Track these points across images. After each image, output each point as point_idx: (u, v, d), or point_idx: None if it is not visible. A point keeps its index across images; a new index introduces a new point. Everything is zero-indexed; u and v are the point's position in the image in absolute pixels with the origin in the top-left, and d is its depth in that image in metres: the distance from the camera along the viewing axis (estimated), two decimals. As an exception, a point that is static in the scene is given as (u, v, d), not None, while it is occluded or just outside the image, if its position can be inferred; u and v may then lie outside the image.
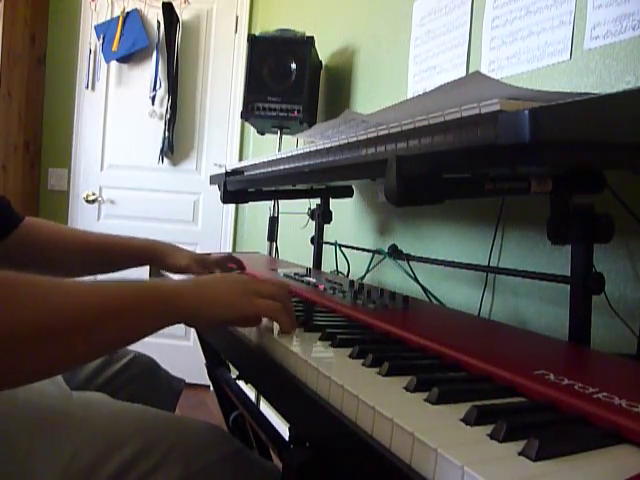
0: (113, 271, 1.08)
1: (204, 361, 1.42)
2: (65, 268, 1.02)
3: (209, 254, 1.48)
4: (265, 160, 1.06)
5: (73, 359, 0.53)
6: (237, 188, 1.30)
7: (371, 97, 1.70)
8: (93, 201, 2.96)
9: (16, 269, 0.49)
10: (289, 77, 1.79)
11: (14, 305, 0.47)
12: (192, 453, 0.69)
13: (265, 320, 0.67)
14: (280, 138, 1.95)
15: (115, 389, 0.99)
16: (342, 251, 1.42)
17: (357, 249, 1.39)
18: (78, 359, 0.55)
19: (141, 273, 1.11)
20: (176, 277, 1.06)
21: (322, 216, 1.44)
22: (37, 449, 0.63)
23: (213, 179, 1.42)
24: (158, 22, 2.85)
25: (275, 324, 0.65)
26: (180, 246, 1.13)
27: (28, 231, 0.98)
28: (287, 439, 0.95)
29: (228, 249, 2.91)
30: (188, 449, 0.69)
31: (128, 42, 2.84)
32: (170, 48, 2.82)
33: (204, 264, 1.08)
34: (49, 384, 0.78)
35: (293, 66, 1.79)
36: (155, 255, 1.08)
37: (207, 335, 0.99)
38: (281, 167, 0.97)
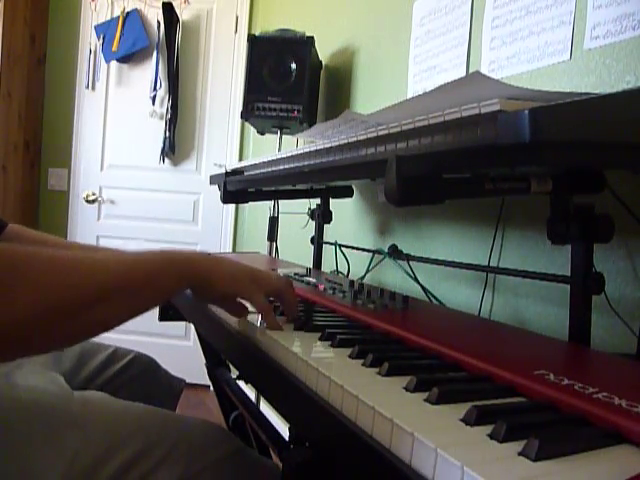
0: None
1: (204, 361, 1.42)
2: None
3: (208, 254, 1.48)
4: (265, 160, 1.06)
5: (96, 329, 0.57)
6: (237, 188, 1.30)
7: (371, 97, 1.70)
8: (93, 201, 2.96)
9: None
10: (289, 77, 1.79)
11: (43, 282, 0.49)
12: (193, 452, 0.69)
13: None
14: (280, 138, 1.95)
15: (116, 389, 0.99)
16: (342, 251, 1.42)
17: (357, 249, 1.39)
18: (100, 329, 0.58)
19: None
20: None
21: (322, 216, 1.44)
22: (38, 449, 0.63)
23: (213, 179, 1.42)
24: (158, 22, 2.85)
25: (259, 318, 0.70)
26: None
27: (11, 238, 0.98)
28: (287, 439, 0.95)
29: (228, 249, 2.92)
30: (189, 448, 0.69)
31: (128, 42, 2.84)
32: (170, 48, 2.82)
33: None
34: (50, 384, 0.78)
35: (293, 66, 1.79)
36: None
37: (207, 335, 0.99)
38: (281, 167, 0.97)
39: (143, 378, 1.09)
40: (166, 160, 2.88)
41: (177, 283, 0.63)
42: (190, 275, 0.64)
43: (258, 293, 0.67)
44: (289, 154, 0.93)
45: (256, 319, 0.73)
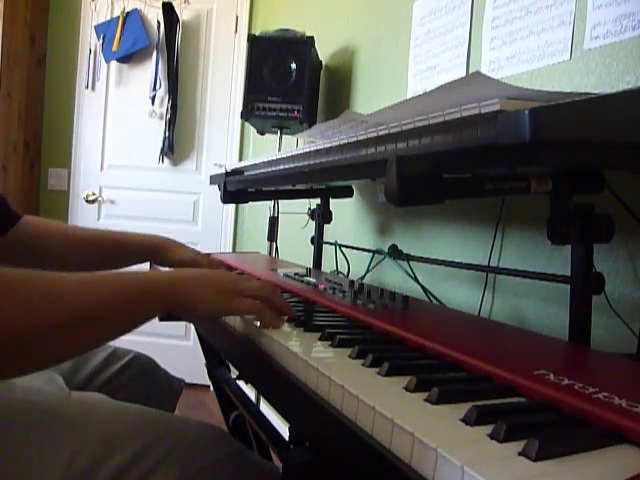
0: (113, 268, 1.06)
1: (204, 361, 1.42)
2: (63, 266, 1.01)
3: (209, 254, 1.48)
4: (265, 160, 1.06)
5: (78, 349, 0.59)
6: (237, 188, 1.30)
7: (371, 97, 1.70)
8: (93, 201, 2.96)
9: (14, 267, 0.51)
10: (289, 77, 1.79)
11: (29, 301, 0.51)
12: (192, 453, 0.69)
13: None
14: (280, 138, 1.95)
15: (115, 389, 0.99)
16: (342, 251, 1.42)
17: (357, 249, 1.39)
18: (82, 349, 0.61)
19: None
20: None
21: (322, 216, 1.44)
22: (36, 450, 0.63)
23: (213, 179, 1.42)
24: (158, 22, 2.85)
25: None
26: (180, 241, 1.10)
27: (25, 230, 0.98)
28: (287, 439, 0.95)
29: (228, 249, 2.92)
30: (188, 449, 0.69)
31: (128, 42, 2.84)
32: (170, 48, 2.82)
33: (209, 260, 1.08)
34: (48, 384, 0.78)
35: (293, 66, 1.79)
36: (157, 251, 1.06)
37: (207, 335, 0.99)
38: (281, 167, 0.97)
39: (142, 378, 1.09)
40: (166, 160, 2.88)
41: (157, 309, 0.63)
42: (171, 301, 0.64)
43: (244, 302, 0.67)
44: (289, 154, 0.93)
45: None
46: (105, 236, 1.05)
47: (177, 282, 0.65)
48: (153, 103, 2.85)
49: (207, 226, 2.94)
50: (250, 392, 1.74)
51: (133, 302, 0.60)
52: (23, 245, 0.97)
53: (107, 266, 1.06)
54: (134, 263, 1.06)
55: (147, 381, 1.10)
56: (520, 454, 0.34)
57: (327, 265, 1.50)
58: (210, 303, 0.66)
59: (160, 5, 2.80)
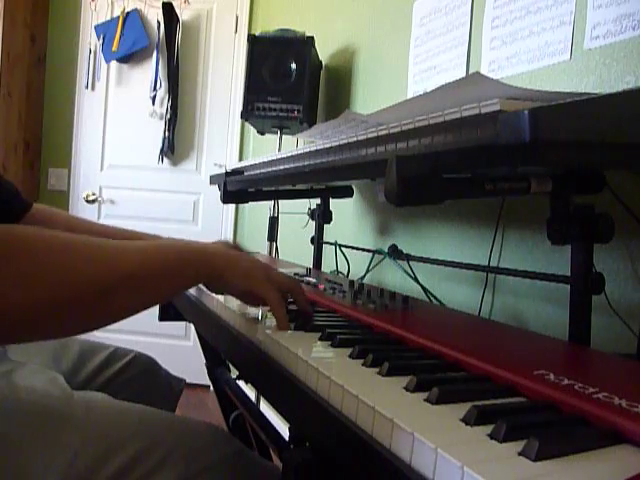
0: None
1: (204, 361, 1.42)
2: None
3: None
4: (265, 160, 1.06)
5: (109, 318, 0.57)
6: (237, 188, 1.30)
7: (371, 97, 1.70)
8: (93, 201, 2.96)
9: None
10: (289, 77, 1.79)
11: (75, 266, 0.50)
12: (193, 454, 0.69)
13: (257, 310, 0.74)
14: (280, 138, 1.95)
15: (116, 389, 0.99)
16: (342, 251, 1.42)
17: (357, 249, 1.39)
18: (119, 316, 0.59)
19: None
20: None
21: (322, 216, 1.44)
22: (38, 449, 0.63)
23: (213, 179, 1.42)
24: (158, 22, 2.85)
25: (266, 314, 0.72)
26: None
27: (38, 219, 0.96)
28: (287, 439, 0.95)
29: (228, 249, 2.91)
30: (189, 450, 0.69)
31: (128, 42, 2.84)
32: (170, 48, 2.82)
33: None
34: (51, 384, 0.78)
35: (293, 66, 1.79)
36: None
37: (207, 335, 0.99)
38: (281, 167, 0.97)
39: (143, 378, 1.09)
40: (166, 160, 2.88)
41: (193, 277, 0.65)
42: (206, 270, 0.65)
43: (272, 289, 0.69)
44: (289, 154, 0.93)
45: (258, 315, 0.74)
46: (130, 236, 1.02)
47: (212, 252, 0.66)
48: (153, 103, 2.85)
49: (207, 226, 2.94)
50: (250, 392, 1.74)
51: (171, 268, 0.60)
52: None
53: None
54: None
55: (148, 381, 1.10)
56: (520, 454, 0.34)
57: (327, 265, 1.50)
58: (243, 274, 0.67)
59: (160, 5, 2.80)
